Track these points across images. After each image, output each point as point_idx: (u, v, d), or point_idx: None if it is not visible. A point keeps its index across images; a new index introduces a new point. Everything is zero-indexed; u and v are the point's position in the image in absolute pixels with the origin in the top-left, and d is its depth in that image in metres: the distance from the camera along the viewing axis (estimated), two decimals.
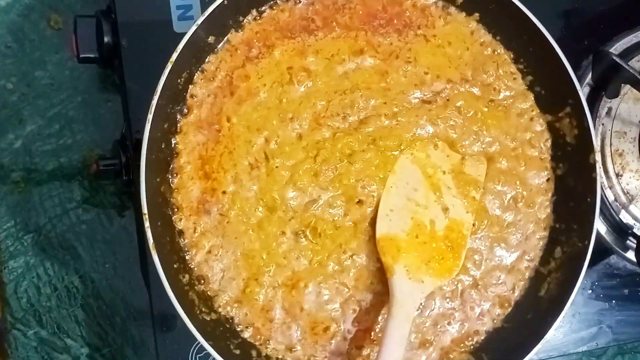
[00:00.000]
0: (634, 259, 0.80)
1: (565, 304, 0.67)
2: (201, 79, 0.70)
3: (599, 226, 0.82)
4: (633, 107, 0.83)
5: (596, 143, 0.71)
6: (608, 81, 0.82)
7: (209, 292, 0.68)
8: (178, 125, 0.69)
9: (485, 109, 0.73)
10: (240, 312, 0.68)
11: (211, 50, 0.70)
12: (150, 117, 0.63)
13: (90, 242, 0.85)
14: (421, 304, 0.69)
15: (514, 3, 0.70)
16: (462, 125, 0.73)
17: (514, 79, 0.74)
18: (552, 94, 0.73)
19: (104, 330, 0.84)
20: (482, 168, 0.72)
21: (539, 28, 0.70)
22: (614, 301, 0.84)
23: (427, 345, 0.71)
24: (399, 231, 0.69)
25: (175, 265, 0.67)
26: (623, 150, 0.82)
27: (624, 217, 0.82)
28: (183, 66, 0.67)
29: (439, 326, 0.71)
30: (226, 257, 0.69)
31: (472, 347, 0.71)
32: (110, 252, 0.85)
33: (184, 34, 0.65)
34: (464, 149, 0.73)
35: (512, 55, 0.75)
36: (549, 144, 0.74)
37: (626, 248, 0.82)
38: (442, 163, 0.72)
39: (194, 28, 0.65)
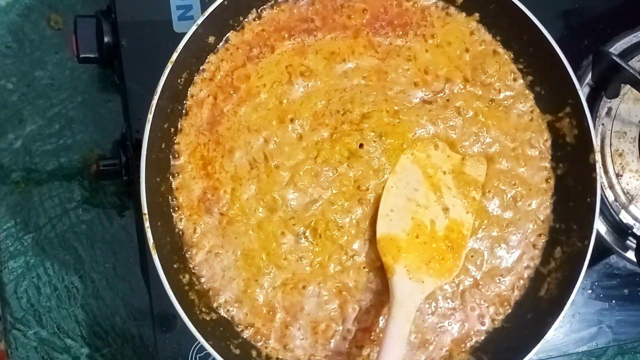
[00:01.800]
0: (634, 259, 0.80)
1: (565, 304, 0.67)
2: (201, 79, 0.70)
3: (599, 226, 0.82)
4: (633, 107, 0.83)
5: (596, 143, 0.71)
6: (608, 81, 0.82)
7: (209, 292, 0.68)
8: (178, 125, 0.69)
9: (486, 109, 0.73)
10: (240, 312, 0.68)
11: (211, 50, 0.70)
12: (150, 117, 0.63)
13: (90, 242, 0.85)
14: (421, 304, 0.69)
15: (514, 3, 0.70)
16: (462, 125, 0.73)
17: (514, 79, 0.74)
18: (552, 94, 0.73)
19: (104, 330, 0.84)
20: (483, 168, 0.72)
21: (539, 28, 0.70)
22: (614, 301, 0.84)
23: (427, 345, 0.71)
24: (399, 231, 0.69)
25: (175, 265, 0.67)
26: (623, 150, 0.82)
27: (624, 217, 0.82)
28: (183, 66, 0.67)
29: (438, 326, 0.71)
30: (226, 257, 0.69)
31: (472, 347, 0.71)
32: (110, 252, 0.85)
33: (184, 34, 0.65)
34: (464, 150, 0.73)
35: (512, 55, 0.75)
36: (549, 144, 0.74)
37: (626, 248, 0.82)
38: (442, 163, 0.72)
39: (194, 28, 0.65)
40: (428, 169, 0.72)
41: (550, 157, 0.74)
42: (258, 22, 0.72)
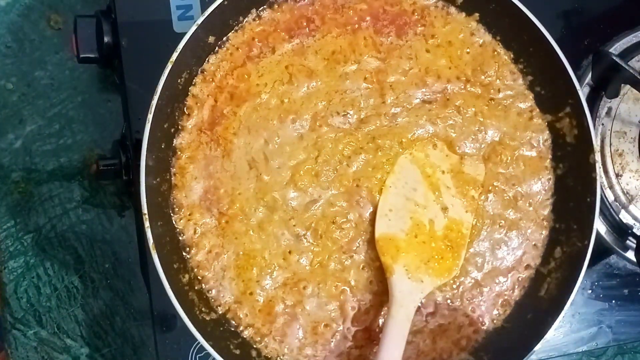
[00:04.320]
0: (633, 259, 0.80)
1: (565, 304, 0.67)
2: (201, 79, 0.70)
3: (599, 226, 0.82)
4: (633, 107, 0.83)
5: (596, 143, 0.71)
6: (608, 81, 0.82)
7: (209, 292, 0.68)
8: (178, 125, 0.69)
9: (485, 107, 0.73)
10: (240, 312, 0.68)
11: (211, 50, 0.71)
12: (150, 117, 0.63)
13: (90, 242, 0.85)
14: (421, 303, 0.69)
15: (514, 3, 0.70)
16: (461, 125, 0.73)
17: (514, 79, 0.75)
18: (552, 94, 0.73)
19: (104, 330, 0.84)
20: (482, 167, 0.72)
21: (539, 28, 0.70)
22: (613, 301, 0.84)
23: (427, 345, 0.71)
24: (398, 231, 0.69)
25: (175, 265, 0.67)
26: (623, 150, 0.82)
27: (624, 217, 0.82)
28: (183, 66, 0.67)
29: (438, 326, 0.71)
30: (227, 257, 0.69)
31: (472, 347, 0.71)
32: (110, 252, 0.85)
33: (184, 34, 0.65)
34: (463, 149, 0.73)
35: (512, 55, 0.75)
36: (549, 143, 0.74)
37: (626, 248, 0.82)
38: (441, 163, 0.72)
39: (194, 28, 0.65)
40: (427, 168, 0.72)
41: (550, 157, 0.74)
42: (258, 22, 0.72)
